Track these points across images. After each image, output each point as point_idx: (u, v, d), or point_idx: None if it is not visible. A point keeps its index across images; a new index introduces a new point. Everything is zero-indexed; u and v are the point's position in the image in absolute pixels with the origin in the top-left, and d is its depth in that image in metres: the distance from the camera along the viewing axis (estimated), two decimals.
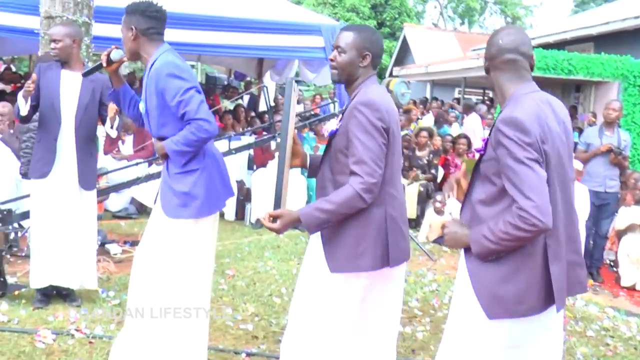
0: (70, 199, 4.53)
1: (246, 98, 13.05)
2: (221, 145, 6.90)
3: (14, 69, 15.73)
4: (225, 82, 15.95)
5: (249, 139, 8.09)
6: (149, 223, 3.45)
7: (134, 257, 3.47)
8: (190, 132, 3.16)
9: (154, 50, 3.32)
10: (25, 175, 5.50)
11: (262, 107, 12.52)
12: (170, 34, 7.64)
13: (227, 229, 7.71)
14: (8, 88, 11.02)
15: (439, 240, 7.62)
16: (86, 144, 4.58)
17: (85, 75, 3.90)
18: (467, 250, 2.46)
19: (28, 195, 4.65)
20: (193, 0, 8.31)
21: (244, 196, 8.40)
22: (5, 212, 4.68)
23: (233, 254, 6.55)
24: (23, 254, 5.49)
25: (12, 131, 6.82)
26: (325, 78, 10.01)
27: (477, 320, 2.41)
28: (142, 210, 8.05)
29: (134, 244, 6.50)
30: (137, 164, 6.78)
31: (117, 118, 4.61)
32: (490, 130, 2.44)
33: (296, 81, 2.97)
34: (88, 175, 4.61)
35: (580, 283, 2.54)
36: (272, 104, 13.77)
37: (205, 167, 3.31)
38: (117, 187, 5.89)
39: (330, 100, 11.20)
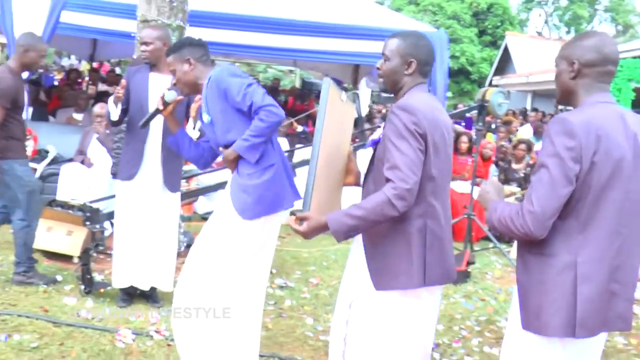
0: (153, 201, 4.57)
1: None
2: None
3: (118, 71, 16.31)
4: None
5: None
6: (207, 225, 3.42)
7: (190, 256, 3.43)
8: (260, 119, 3.24)
9: (209, 73, 3.45)
10: (114, 175, 5.60)
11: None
12: (267, 39, 7.81)
13: (315, 237, 7.59)
14: (111, 90, 11.39)
15: None
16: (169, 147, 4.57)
17: (143, 126, 4.04)
18: (517, 259, 2.41)
19: (114, 196, 4.70)
20: (290, 5, 8.30)
21: None
22: (93, 211, 4.75)
23: (319, 262, 6.45)
24: (111, 252, 5.58)
25: (108, 131, 6.99)
26: None
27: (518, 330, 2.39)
28: None
29: None
30: (224, 167, 6.78)
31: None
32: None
33: (336, 82, 2.81)
34: (173, 177, 4.63)
35: (620, 317, 2.33)
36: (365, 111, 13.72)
37: (279, 162, 3.38)
38: (205, 190, 5.89)
39: None
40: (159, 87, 4.49)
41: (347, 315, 2.75)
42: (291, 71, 25.04)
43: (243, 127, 3.30)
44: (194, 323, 3.31)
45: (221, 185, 5.50)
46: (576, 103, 2.36)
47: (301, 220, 2.56)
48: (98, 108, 7.15)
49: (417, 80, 2.71)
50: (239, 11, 7.82)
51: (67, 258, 5.61)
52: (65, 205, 5.71)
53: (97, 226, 4.80)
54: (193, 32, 6.23)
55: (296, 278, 5.80)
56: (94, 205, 4.93)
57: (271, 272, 5.75)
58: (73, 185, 6.87)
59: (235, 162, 3.32)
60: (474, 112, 6.95)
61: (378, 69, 2.77)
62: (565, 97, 2.42)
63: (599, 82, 2.33)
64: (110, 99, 4.52)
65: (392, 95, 2.81)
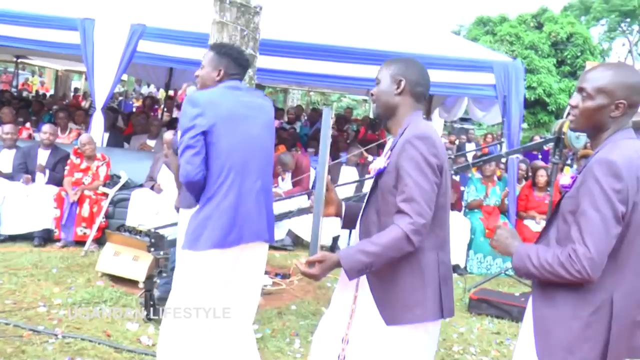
0: None
1: None
2: None
3: None
4: None
5: None
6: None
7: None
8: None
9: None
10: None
11: None
12: (341, 68, 7.76)
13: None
14: None
15: None
16: None
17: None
18: (535, 292, 2.34)
19: (176, 224, 4.69)
20: (364, 35, 8.26)
21: None
22: (158, 237, 4.75)
23: None
24: None
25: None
26: (495, 117, 9.53)
27: None
28: (298, 243, 8.02)
29: (285, 276, 6.44)
30: (290, 197, 6.74)
31: None
32: (581, 169, 2.25)
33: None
34: None
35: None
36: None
37: (224, 198, 3.18)
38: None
39: (496, 141, 10.64)
40: None
41: (340, 351, 2.63)
42: (365, 100, 25.03)
43: None
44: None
45: (285, 215, 5.45)
46: (603, 138, 2.28)
47: (312, 263, 2.44)
48: (168, 134, 7.22)
49: (411, 104, 2.63)
50: (312, 40, 7.83)
51: (133, 283, 5.64)
52: (132, 231, 5.77)
53: (162, 252, 4.78)
54: (265, 61, 6.29)
55: None
56: (160, 232, 4.92)
57: None
58: (142, 210, 6.95)
59: None
60: (550, 145, 6.68)
61: (371, 94, 2.70)
62: (595, 131, 2.31)
63: (629, 118, 2.28)
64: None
65: (384, 121, 2.72)
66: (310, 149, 10.38)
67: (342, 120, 12.69)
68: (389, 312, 2.51)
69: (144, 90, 25.04)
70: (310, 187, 8.01)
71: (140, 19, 7.67)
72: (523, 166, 8.98)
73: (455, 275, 7.38)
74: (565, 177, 2.46)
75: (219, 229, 3.13)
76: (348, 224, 2.86)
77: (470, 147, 12.48)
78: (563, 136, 6.31)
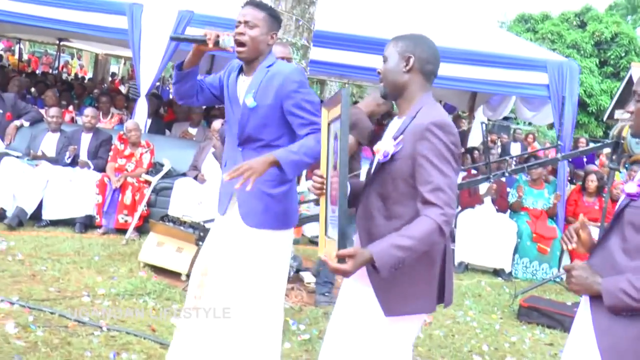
0: None
1: None
2: None
3: None
4: None
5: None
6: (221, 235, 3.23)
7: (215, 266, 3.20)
8: (317, 140, 2.86)
9: (268, 53, 3.14)
10: None
11: (471, 142, 11.98)
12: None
13: None
14: None
15: None
16: None
17: (175, 38, 3.32)
18: (593, 300, 2.20)
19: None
20: (408, 28, 8.02)
21: None
22: (206, 231, 4.63)
23: None
24: None
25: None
26: (545, 117, 9.26)
27: None
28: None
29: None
30: None
31: None
32: None
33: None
34: None
35: None
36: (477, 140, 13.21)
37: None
38: (314, 218, 5.67)
39: (550, 144, 10.34)
40: None
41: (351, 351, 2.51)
42: None
43: (277, 129, 3.10)
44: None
45: None
46: None
47: (343, 257, 2.21)
48: (217, 123, 7.12)
49: (421, 84, 2.50)
50: (363, 33, 7.64)
51: (175, 275, 5.54)
52: (177, 221, 5.67)
53: None
54: (317, 52, 6.14)
55: None
56: (208, 225, 4.80)
57: None
58: (185, 200, 6.85)
59: (263, 170, 2.90)
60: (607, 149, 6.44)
61: (378, 73, 2.55)
62: None
63: None
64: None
65: (393, 101, 2.58)
66: None
67: (384, 115, 12.48)
68: (389, 302, 2.40)
69: None
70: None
71: (189, 6, 7.56)
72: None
73: (499, 280, 7.22)
74: (631, 185, 2.26)
75: (295, 207, 3.20)
76: (353, 202, 2.61)
77: (515, 147, 12.17)
78: (622, 141, 6.08)
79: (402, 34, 2.55)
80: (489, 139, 13.72)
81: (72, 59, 28.08)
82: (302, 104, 3.04)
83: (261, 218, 3.07)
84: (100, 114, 8.71)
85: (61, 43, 17.24)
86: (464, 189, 6.84)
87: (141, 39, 7.52)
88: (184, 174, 7.36)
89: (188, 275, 5.12)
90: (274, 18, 3.12)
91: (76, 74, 24.25)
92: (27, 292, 4.73)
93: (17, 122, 7.71)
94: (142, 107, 7.84)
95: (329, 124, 2.50)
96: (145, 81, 7.68)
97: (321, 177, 2.48)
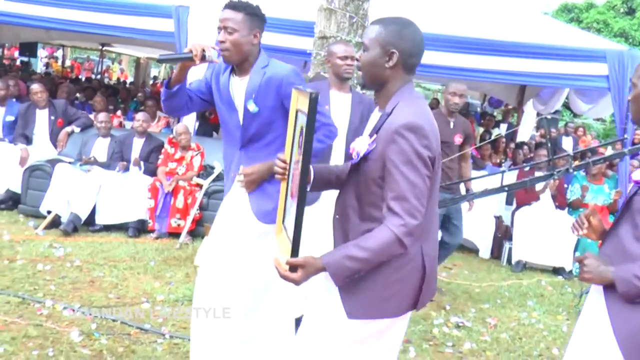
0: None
1: (503, 126, 12.33)
2: (494, 180, 6.31)
3: None
4: (479, 109, 15.28)
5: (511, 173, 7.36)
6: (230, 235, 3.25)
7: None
8: (318, 140, 3.05)
9: (259, 52, 3.17)
10: None
11: (520, 137, 11.72)
12: (432, 57, 7.32)
13: (483, 269, 7.10)
14: None
15: None
16: None
17: (162, 60, 3.19)
18: (607, 289, 2.20)
19: None
20: (452, 22, 7.84)
21: (502, 234, 7.72)
22: None
23: (492, 299, 5.92)
24: None
25: None
26: (603, 110, 8.98)
27: None
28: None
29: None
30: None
31: None
32: None
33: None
34: None
35: None
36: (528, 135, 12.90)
37: None
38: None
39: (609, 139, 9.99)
40: (340, 106, 4.27)
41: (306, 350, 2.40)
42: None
43: (279, 127, 3.11)
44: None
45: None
46: None
47: (293, 266, 2.17)
48: None
49: (402, 77, 2.32)
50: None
51: None
52: None
53: None
54: None
55: (472, 317, 5.31)
56: None
57: (444, 308, 5.39)
58: None
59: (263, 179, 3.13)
60: None
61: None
62: None
63: None
64: None
65: (373, 91, 2.43)
66: None
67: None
68: (354, 304, 2.28)
69: None
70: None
71: None
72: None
73: (560, 279, 6.99)
74: (637, 173, 2.31)
75: None
76: (317, 186, 2.53)
77: (567, 141, 11.86)
78: None
79: (386, 17, 2.36)
80: (541, 133, 13.39)
81: (112, 63, 28.40)
82: None
83: (274, 214, 2.98)
84: (149, 117, 8.69)
85: (103, 48, 17.41)
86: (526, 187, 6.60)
87: (187, 41, 7.46)
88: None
89: None
90: (254, 16, 3.08)
91: (118, 78, 24.50)
92: (88, 298, 4.71)
93: (68, 129, 7.74)
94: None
95: (297, 111, 2.44)
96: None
97: (284, 161, 2.46)
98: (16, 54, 20.48)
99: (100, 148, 7.30)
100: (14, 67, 16.94)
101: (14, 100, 8.26)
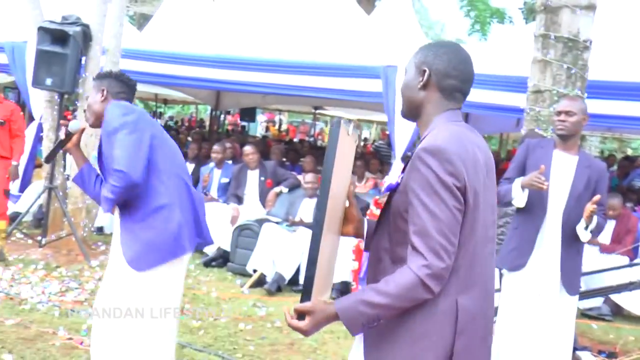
0: (546, 299, 3.86)
1: None
2: None
3: None
4: None
5: None
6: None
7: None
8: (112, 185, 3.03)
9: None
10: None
11: None
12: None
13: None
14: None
15: None
16: (573, 238, 3.83)
17: (47, 161, 3.55)
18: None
19: (499, 290, 4.08)
20: None
21: None
22: None
23: None
24: None
25: None
26: None
27: None
28: (617, 312, 6.86)
29: (611, 355, 5.42)
30: (631, 265, 5.71)
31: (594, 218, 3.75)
32: None
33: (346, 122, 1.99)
34: (572, 277, 3.88)
35: None
36: None
37: (174, 202, 3.14)
38: (603, 291, 4.92)
39: None
40: (563, 168, 3.84)
41: None
42: None
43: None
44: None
45: (624, 287, 4.54)
46: None
47: (301, 314, 1.89)
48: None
49: (441, 104, 2.04)
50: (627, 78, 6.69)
51: None
52: None
53: None
54: (593, 105, 5.36)
55: None
56: None
57: None
58: None
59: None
60: None
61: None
62: None
63: None
64: (518, 183, 3.87)
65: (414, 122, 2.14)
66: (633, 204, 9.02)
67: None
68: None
69: None
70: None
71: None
72: None
73: None
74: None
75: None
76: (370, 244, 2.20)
77: None
78: None
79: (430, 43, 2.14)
80: None
81: (325, 126, 29.54)
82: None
83: None
84: (356, 178, 8.70)
85: (316, 111, 18.09)
86: None
87: (395, 100, 7.39)
88: None
89: None
90: (100, 79, 3.39)
91: None
92: None
93: (276, 189, 7.95)
94: (396, 168, 7.67)
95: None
96: (400, 143, 7.50)
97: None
98: (238, 119, 21.99)
99: (307, 209, 7.36)
100: (236, 132, 18.14)
101: (230, 162, 8.68)
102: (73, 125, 3.39)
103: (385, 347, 1.98)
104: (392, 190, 2.06)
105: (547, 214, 3.83)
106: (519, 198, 3.85)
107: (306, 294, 1.89)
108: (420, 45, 2.19)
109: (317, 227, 1.91)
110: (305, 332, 1.93)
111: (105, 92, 3.31)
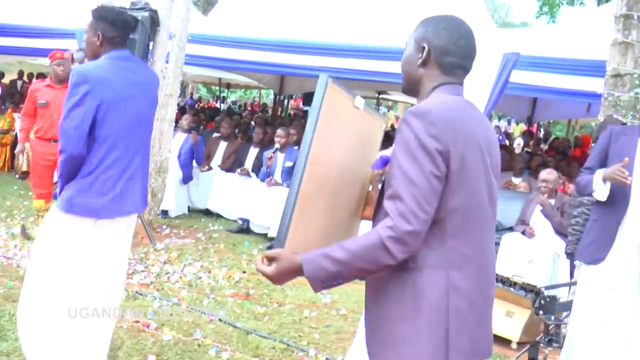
0: (620, 295, 3.68)
1: None
2: None
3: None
4: None
5: None
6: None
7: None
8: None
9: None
10: (570, 255, 4.81)
11: None
12: None
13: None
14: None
15: None
16: None
17: None
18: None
19: (574, 283, 3.92)
20: None
21: None
22: (549, 299, 4.01)
23: None
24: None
25: (553, 202, 6.27)
26: None
27: None
28: None
29: None
30: None
31: None
32: None
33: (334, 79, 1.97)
34: None
35: None
36: None
37: (102, 168, 3.22)
38: None
39: None
40: None
41: None
42: None
43: None
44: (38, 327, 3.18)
45: None
46: None
47: (270, 260, 1.86)
48: (545, 174, 6.47)
49: (437, 77, 1.97)
50: None
51: (505, 342, 4.96)
52: (506, 282, 5.11)
53: (553, 317, 4.03)
54: None
55: None
56: (551, 292, 4.17)
57: None
58: (513, 257, 6.24)
59: None
60: None
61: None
62: None
63: None
64: (599, 175, 3.68)
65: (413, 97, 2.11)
66: None
67: None
68: (374, 347, 1.93)
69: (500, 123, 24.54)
70: None
71: (514, 48, 7.05)
72: None
73: None
74: None
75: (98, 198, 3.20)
76: None
77: None
78: None
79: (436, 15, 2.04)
80: None
81: (388, 110, 29.31)
82: None
83: None
84: None
85: (380, 96, 17.93)
86: None
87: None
88: (510, 228, 6.78)
89: (519, 343, 4.60)
90: (96, 20, 3.35)
91: (392, 125, 25.16)
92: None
93: None
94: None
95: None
96: None
97: None
98: (301, 104, 21.99)
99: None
100: (298, 117, 18.14)
101: (295, 148, 8.64)
102: (78, 55, 3.66)
103: (377, 325, 1.95)
104: (386, 163, 2.06)
105: (630, 207, 3.61)
106: (600, 191, 3.65)
107: (279, 240, 1.89)
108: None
109: (295, 178, 1.91)
110: (271, 278, 1.88)
111: (101, 37, 3.33)
